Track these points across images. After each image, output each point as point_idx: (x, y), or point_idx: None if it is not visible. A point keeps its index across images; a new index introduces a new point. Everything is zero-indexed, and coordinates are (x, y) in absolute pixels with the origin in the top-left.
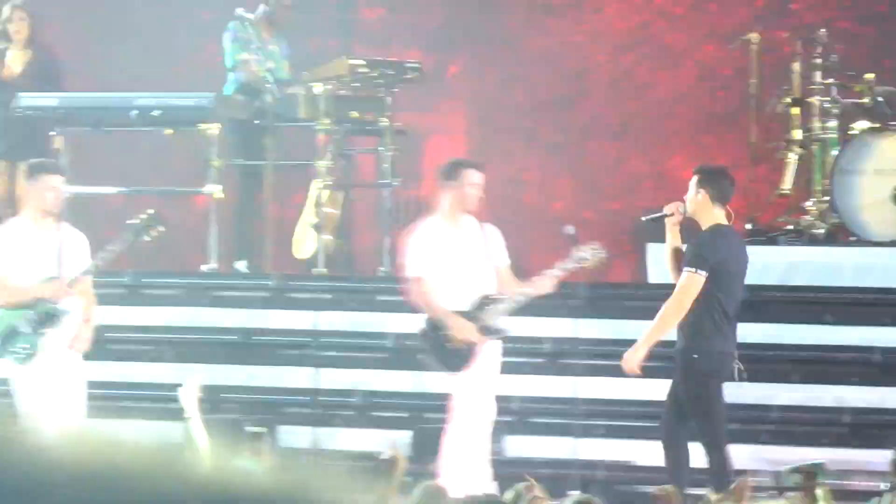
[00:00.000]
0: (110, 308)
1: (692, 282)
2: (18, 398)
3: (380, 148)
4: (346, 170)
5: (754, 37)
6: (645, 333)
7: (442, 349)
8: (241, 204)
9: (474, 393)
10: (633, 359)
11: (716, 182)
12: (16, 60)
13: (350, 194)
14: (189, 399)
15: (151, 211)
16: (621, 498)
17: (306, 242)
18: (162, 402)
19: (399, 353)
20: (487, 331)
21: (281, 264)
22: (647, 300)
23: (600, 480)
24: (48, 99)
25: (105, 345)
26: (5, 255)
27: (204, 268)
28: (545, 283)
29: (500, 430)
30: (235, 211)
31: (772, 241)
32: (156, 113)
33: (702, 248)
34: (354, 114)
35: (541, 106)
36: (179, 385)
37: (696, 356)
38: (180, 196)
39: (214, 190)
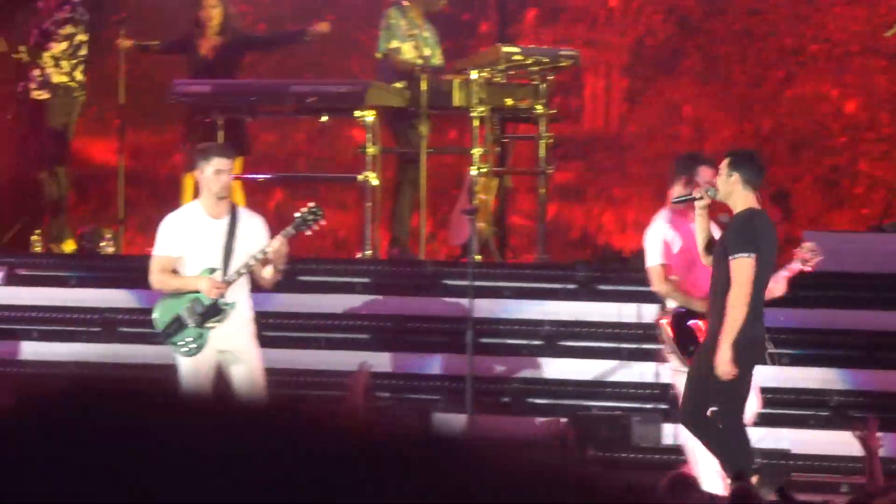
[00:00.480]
0: (265, 296)
1: (747, 266)
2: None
3: (535, 135)
4: (500, 157)
5: None
6: (722, 336)
7: (692, 340)
8: (396, 191)
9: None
10: (725, 364)
11: (748, 166)
12: (206, 47)
13: (505, 181)
14: (357, 386)
15: (312, 204)
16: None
17: (461, 229)
18: (319, 389)
19: (554, 340)
20: None
21: (435, 251)
22: None
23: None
24: (202, 86)
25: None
26: (175, 241)
27: (359, 255)
28: (781, 283)
29: (656, 417)
30: (392, 198)
31: None
32: (311, 99)
33: (745, 231)
34: (509, 101)
35: None
36: (337, 372)
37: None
38: (335, 183)
39: (369, 177)
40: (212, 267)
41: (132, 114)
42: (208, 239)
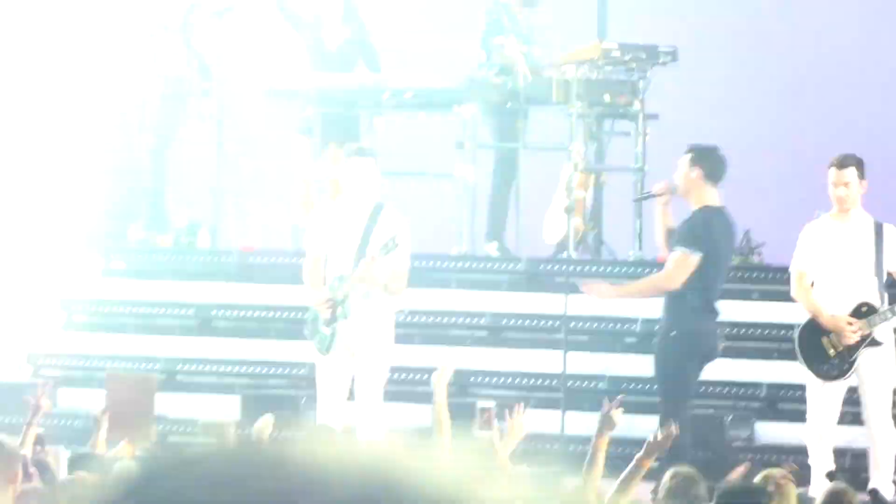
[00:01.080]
0: None
1: (687, 261)
2: (318, 386)
3: (632, 132)
4: (597, 153)
5: None
6: (629, 285)
7: (816, 352)
8: (494, 187)
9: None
10: (604, 288)
11: (709, 160)
12: (331, 38)
13: (602, 178)
14: (440, 384)
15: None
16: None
17: (557, 226)
18: (410, 384)
19: (646, 339)
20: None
21: (532, 247)
22: None
23: (846, 468)
24: (297, 81)
25: None
26: (318, 240)
27: (454, 250)
28: None
29: (749, 415)
30: (489, 193)
31: None
32: (409, 95)
33: (696, 228)
34: (607, 97)
35: None
36: (429, 368)
37: (674, 334)
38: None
39: (467, 172)
40: (342, 274)
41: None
42: (345, 241)
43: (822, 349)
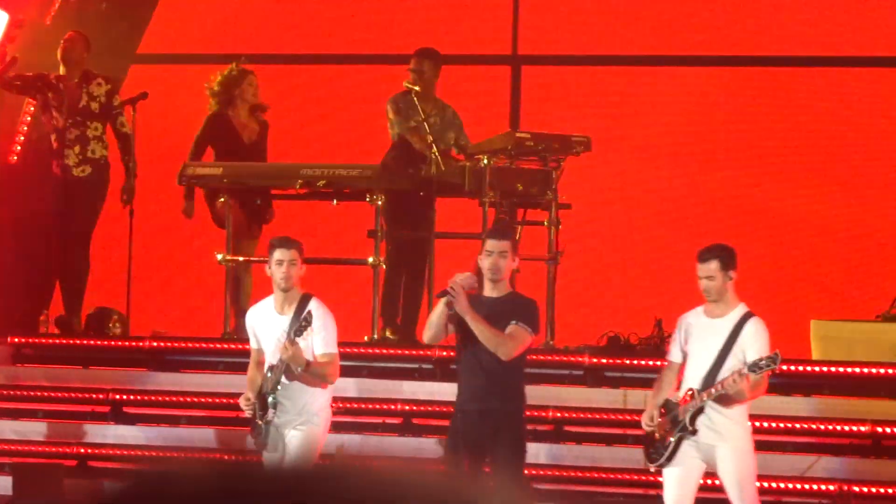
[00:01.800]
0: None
1: (527, 339)
2: None
3: (545, 222)
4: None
5: None
6: (480, 320)
7: (650, 435)
8: (386, 272)
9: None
10: (463, 302)
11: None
12: (249, 126)
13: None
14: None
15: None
16: None
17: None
18: None
19: (560, 426)
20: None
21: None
22: None
23: None
24: (213, 168)
25: None
26: (252, 336)
27: (366, 338)
28: (731, 383)
29: None
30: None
31: None
32: (321, 183)
33: (534, 311)
34: (520, 186)
35: None
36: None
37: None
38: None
39: (380, 260)
40: (271, 364)
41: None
42: (272, 334)
43: (651, 432)
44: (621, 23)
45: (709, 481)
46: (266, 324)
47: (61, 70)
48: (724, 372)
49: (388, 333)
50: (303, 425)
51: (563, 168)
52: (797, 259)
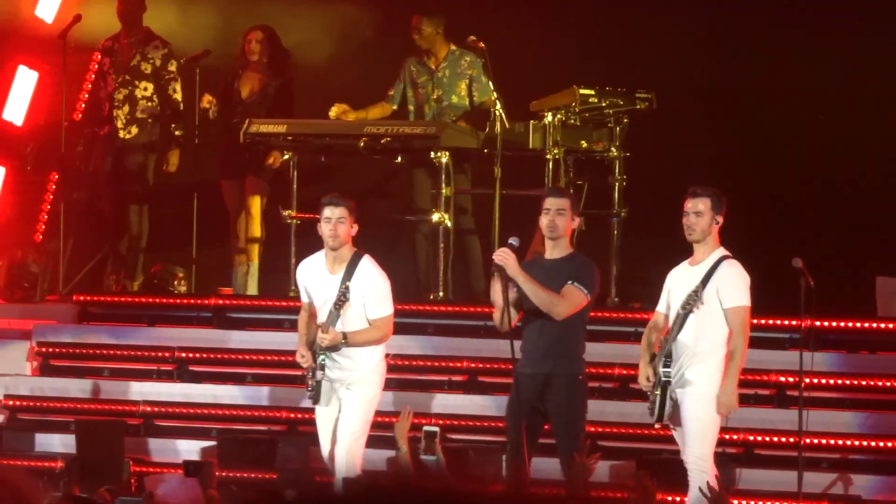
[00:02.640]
0: None
1: (580, 299)
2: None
3: (610, 178)
4: (575, 199)
5: None
6: (529, 278)
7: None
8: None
9: None
10: (511, 262)
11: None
12: (246, 84)
13: (580, 224)
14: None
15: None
16: None
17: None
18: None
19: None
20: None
21: None
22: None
23: None
24: (277, 125)
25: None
26: (302, 291)
27: (431, 297)
28: None
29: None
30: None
31: None
32: (385, 141)
33: (589, 270)
34: (584, 143)
35: None
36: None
37: (581, 376)
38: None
39: (444, 218)
40: (322, 324)
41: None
42: (322, 293)
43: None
44: None
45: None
46: (317, 281)
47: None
48: (706, 319)
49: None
50: (356, 384)
51: (627, 124)
52: (864, 216)
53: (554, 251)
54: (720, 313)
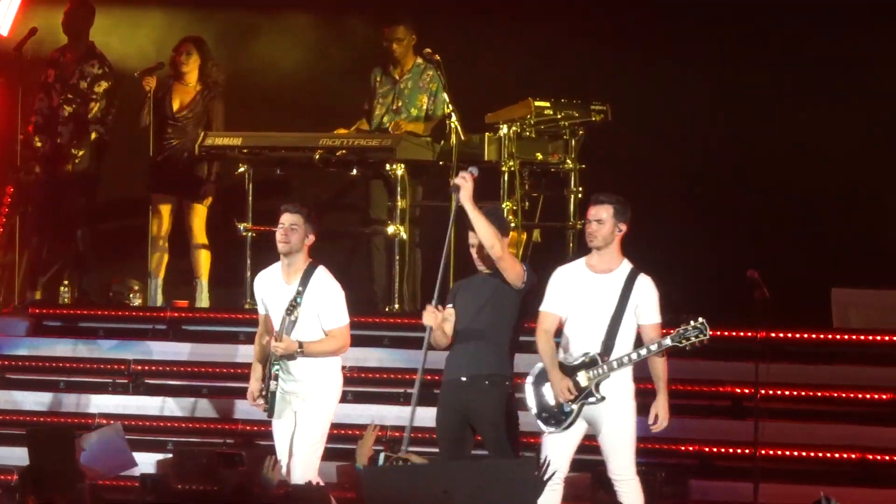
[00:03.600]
0: None
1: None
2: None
3: (564, 189)
4: (530, 211)
5: None
6: (478, 210)
7: (542, 398)
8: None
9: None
10: (466, 189)
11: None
12: (176, 97)
13: (534, 236)
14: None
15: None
16: None
17: None
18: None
19: None
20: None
21: None
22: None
23: None
24: (233, 138)
25: None
26: (259, 301)
27: (387, 309)
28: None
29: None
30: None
31: None
32: (340, 153)
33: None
34: (539, 155)
35: None
36: (356, 425)
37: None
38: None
39: (400, 230)
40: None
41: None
42: (278, 304)
43: (546, 396)
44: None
45: None
46: (272, 292)
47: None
48: (622, 332)
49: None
50: (311, 396)
51: (582, 136)
52: (819, 228)
53: (486, 264)
54: (634, 327)
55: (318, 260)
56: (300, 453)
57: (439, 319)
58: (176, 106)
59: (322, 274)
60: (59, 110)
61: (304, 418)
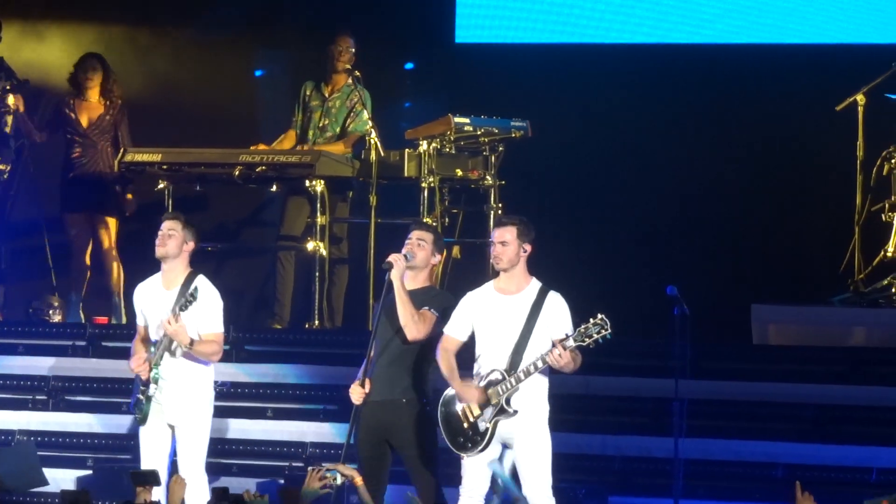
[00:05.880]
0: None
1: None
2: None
3: (484, 205)
4: (450, 227)
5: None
6: (402, 291)
7: (452, 423)
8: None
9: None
10: (398, 268)
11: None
12: (83, 113)
13: (454, 252)
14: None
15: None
16: None
17: None
18: (261, 458)
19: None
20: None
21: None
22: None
23: None
24: (152, 154)
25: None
26: (138, 311)
27: (307, 325)
28: (557, 356)
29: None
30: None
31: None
32: (260, 169)
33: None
34: (459, 171)
35: None
36: (279, 442)
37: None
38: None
39: (319, 247)
40: (156, 340)
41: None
42: (157, 311)
43: (458, 420)
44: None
45: None
46: (151, 300)
47: None
48: (531, 350)
49: (325, 322)
50: (188, 411)
51: (502, 152)
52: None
53: (412, 283)
54: (544, 346)
55: (197, 269)
56: (193, 471)
57: (362, 395)
58: (84, 122)
59: (203, 281)
60: None
61: (187, 445)
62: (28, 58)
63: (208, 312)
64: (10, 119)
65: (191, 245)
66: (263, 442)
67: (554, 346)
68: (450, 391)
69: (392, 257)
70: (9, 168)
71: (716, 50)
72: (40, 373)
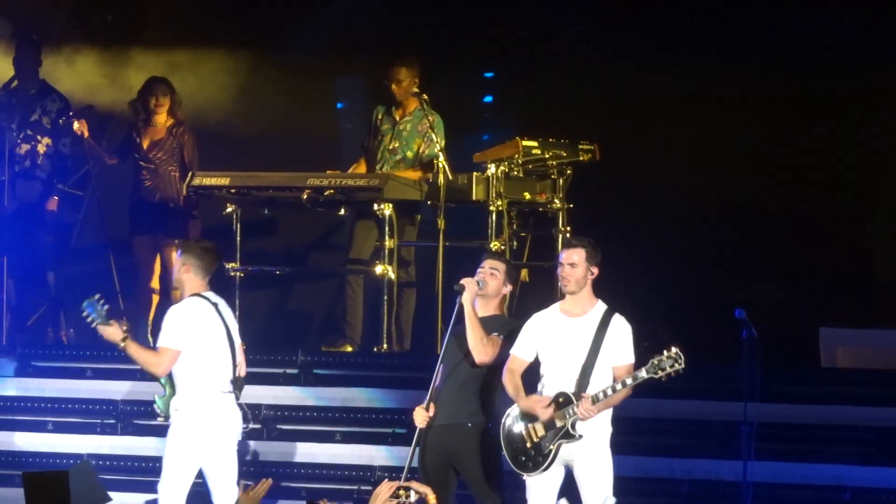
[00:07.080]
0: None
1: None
2: None
3: (552, 229)
4: (518, 251)
5: None
6: (474, 315)
7: (516, 443)
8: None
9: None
10: (469, 291)
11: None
12: (148, 137)
13: (522, 275)
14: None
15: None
16: None
17: None
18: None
19: None
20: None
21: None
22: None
23: None
24: (220, 178)
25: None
26: None
27: (375, 349)
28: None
29: None
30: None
31: None
32: (328, 193)
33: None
34: (527, 195)
35: None
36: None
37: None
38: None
39: (388, 270)
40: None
41: None
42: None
43: (520, 439)
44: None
45: None
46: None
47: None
48: (598, 372)
49: (394, 346)
50: (176, 421)
51: (570, 175)
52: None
53: (482, 310)
54: (609, 368)
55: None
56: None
57: (426, 419)
58: (150, 146)
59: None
60: (17, 148)
61: (168, 446)
62: (97, 82)
63: (163, 325)
64: (67, 140)
65: (186, 268)
66: (332, 465)
67: (582, 398)
68: (512, 410)
69: (464, 281)
70: (82, 193)
71: (780, 69)
72: (109, 396)
